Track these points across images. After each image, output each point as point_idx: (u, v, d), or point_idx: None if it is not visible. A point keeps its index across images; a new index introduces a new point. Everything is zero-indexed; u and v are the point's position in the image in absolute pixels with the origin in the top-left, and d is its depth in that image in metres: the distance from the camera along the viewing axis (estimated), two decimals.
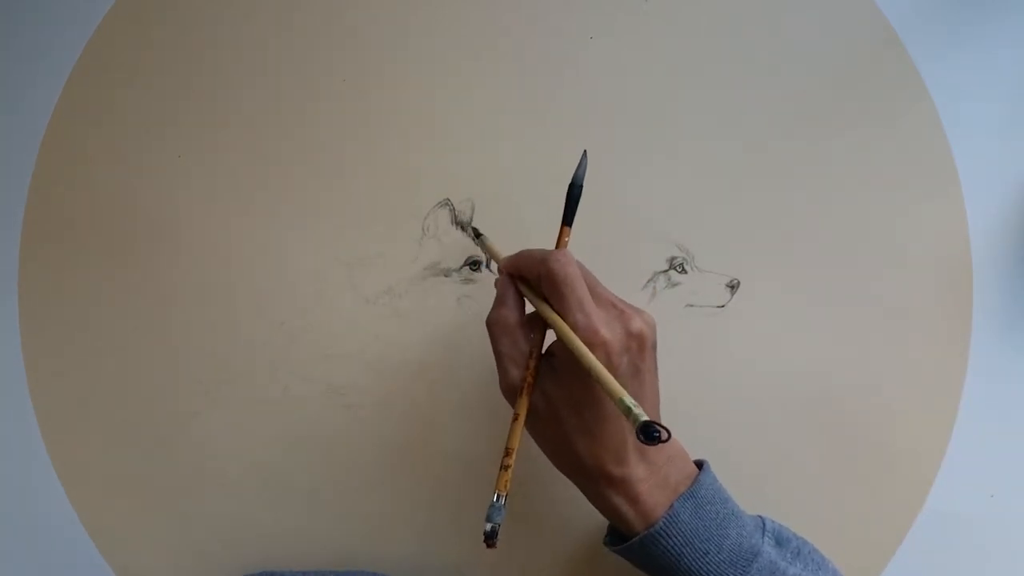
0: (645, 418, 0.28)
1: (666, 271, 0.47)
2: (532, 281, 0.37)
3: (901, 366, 0.47)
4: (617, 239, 0.47)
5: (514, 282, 0.38)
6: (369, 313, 0.47)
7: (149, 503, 0.46)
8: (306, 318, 0.46)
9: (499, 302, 0.37)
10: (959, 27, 0.48)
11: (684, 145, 0.48)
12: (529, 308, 0.38)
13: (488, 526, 0.32)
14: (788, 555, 0.37)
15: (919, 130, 0.48)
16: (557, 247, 0.39)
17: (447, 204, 0.47)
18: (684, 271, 0.47)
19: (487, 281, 0.47)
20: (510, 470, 0.34)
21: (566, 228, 0.39)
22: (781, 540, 0.38)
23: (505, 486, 0.33)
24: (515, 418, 0.35)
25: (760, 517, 0.39)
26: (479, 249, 0.47)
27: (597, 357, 0.33)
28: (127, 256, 0.47)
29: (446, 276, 0.47)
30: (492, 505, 0.33)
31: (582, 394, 0.34)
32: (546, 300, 0.36)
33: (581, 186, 0.39)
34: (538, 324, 0.37)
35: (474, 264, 0.46)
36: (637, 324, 0.35)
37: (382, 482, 0.46)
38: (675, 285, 0.47)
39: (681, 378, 0.46)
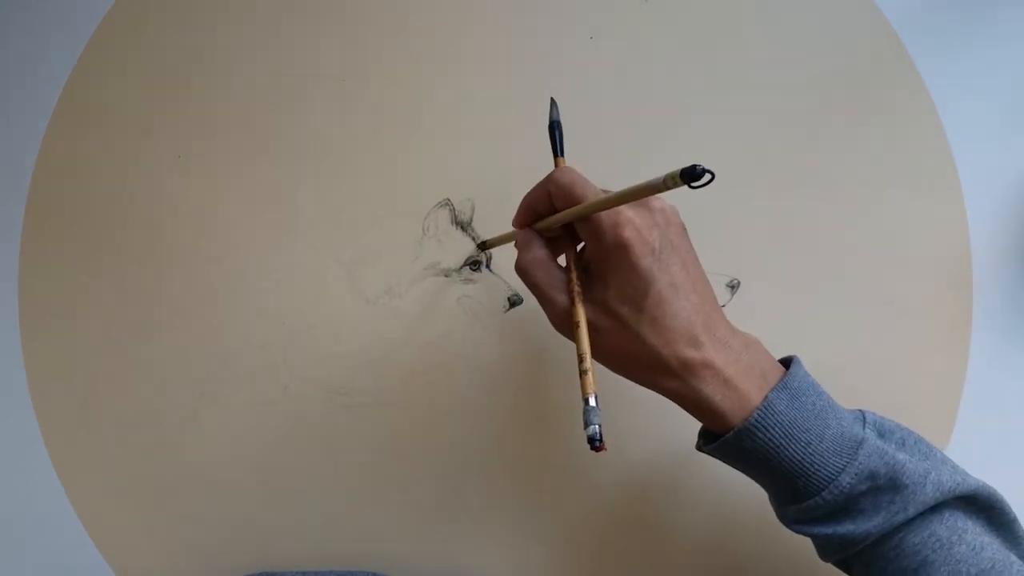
0: (680, 168, 0.27)
1: None
2: (545, 209, 0.37)
3: (901, 365, 0.47)
4: None
5: (531, 229, 0.38)
6: (369, 313, 0.47)
7: (149, 503, 0.46)
8: (306, 318, 0.46)
9: (522, 247, 0.37)
10: (959, 27, 0.48)
11: (683, 145, 0.48)
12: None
13: (591, 428, 0.30)
14: (892, 445, 0.35)
15: (919, 130, 0.48)
16: None
17: (447, 204, 0.47)
18: None
19: (487, 281, 0.47)
20: (591, 372, 0.32)
21: (560, 159, 0.39)
22: (884, 431, 0.36)
23: (591, 387, 0.32)
24: (578, 325, 0.34)
25: (860, 410, 0.37)
26: (479, 250, 0.47)
27: (625, 235, 0.32)
28: (127, 256, 0.47)
29: (446, 276, 0.47)
30: (588, 408, 0.31)
31: (634, 281, 0.33)
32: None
33: (559, 122, 0.40)
34: (567, 243, 0.37)
35: (474, 264, 0.46)
36: (658, 203, 0.34)
37: (382, 482, 0.46)
38: None
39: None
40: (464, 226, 0.47)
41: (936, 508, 0.33)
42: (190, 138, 0.47)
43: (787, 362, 0.37)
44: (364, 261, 0.47)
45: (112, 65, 0.48)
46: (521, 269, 0.37)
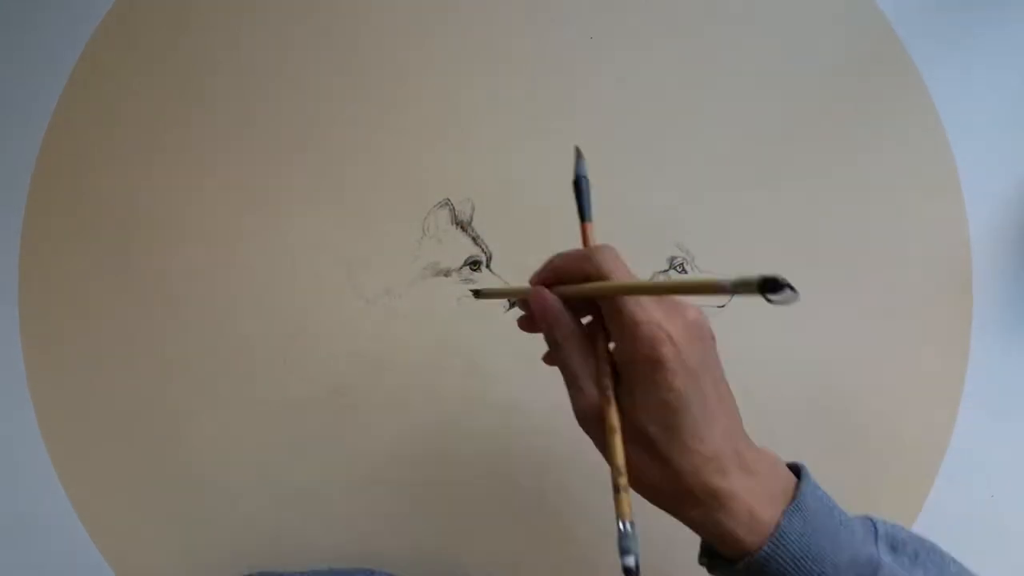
0: (761, 275, 0.23)
1: (666, 271, 0.47)
2: (574, 282, 0.33)
3: (901, 366, 0.47)
4: (617, 239, 0.46)
5: (553, 294, 0.34)
6: (369, 313, 0.47)
7: (149, 503, 0.46)
8: (306, 318, 0.46)
9: (552, 319, 0.33)
10: (959, 27, 0.48)
11: (684, 145, 0.48)
12: None
13: (631, 559, 0.28)
14: (906, 561, 0.33)
15: (919, 130, 0.48)
16: (584, 244, 0.35)
17: (447, 204, 0.47)
18: (684, 271, 0.47)
19: (487, 281, 0.47)
20: (625, 491, 0.30)
21: (588, 225, 0.35)
22: (896, 544, 0.34)
23: (629, 510, 0.29)
24: (613, 431, 0.31)
25: (869, 519, 0.35)
26: (479, 250, 0.47)
27: (661, 353, 0.30)
28: (127, 256, 0.47)
29: (446, 276, 0.47)
30: (625, 535, 0.28)
31: (668, 401, 0.30)
32: (592, 301, 0.33)
33: (585, 177, 0.36)
34: (599, 330, 0.33)
35: (474, 264, 0.46)
36: (692, 313, 0.32)
37: (381, 482, 0.46)
38: None
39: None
40: (464, 226, 0.47)
41: None
42: (190, 137, 0.47)
43: (795, 468, 0.35)
44: (364, 261, 0.47)
45: (112, 65, 0.48)
46: (555, 345, 0.33)
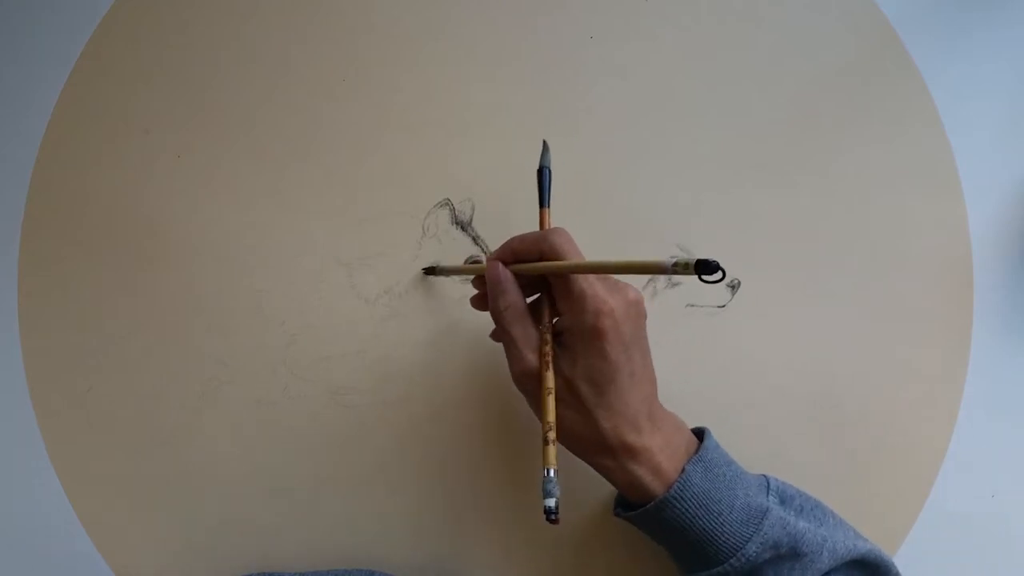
0: (696, 258, 0.28)
1: None
2: (529, 259, 0.38)
3: (902, 366, 0.47)
4: (618, 239, 0.47)
5: (508, 270, 0.38)
6: (369, 313, 0.47)
7: (149, 503, 0.46)
8: (306, 318, 0.46)
9: (501, 289, 0.37)
10: (959, 27, 0.48)
11: (684, 144, 0.48)
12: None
13: (551, 502, 0.32)
14: (792, 512, 0.38)
15: (919, 130, 0.48)
16: (541, 227, 0.40)
17: (447, 204, 0.47)
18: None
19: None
20: (553, 444, 0.34)
21: (546, 211, 0.40)
22: (785, 498, 0.39)
23: (555, 460, 0.33)
24: (548, 392, 0.35)
25: (764, 476, 0.40)
26: (479, 249, 0.47)
27: (605, 324, 0.34)
28: (127, 256, 0.47)
29: (446, 276, 0.47)
30: (547, 480, 0.32)
31: (602, 367, 0.35)
32: (543, 277, 0.37)
33: (548, 168, 0.40)
34: (544, 303, 0.38)
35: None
36: (633, 293, 0.36)
37: (382, 482, 0.46)
38: (676, 285, 0.47)
39: (681, 377, 0.46)
40: (464, 226, 0.47)
41: (827, 572, 0.37)
42: (190, 137, 0.47)
43: (699, 432, 0.40)
44: (364, 261, 0.47)
45: (112, 64, 0.48)
46: (496, 313, 0.38)
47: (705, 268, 0.27)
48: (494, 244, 0.47)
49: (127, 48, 0.48)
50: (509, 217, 0.47)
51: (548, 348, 0.36)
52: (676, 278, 0.47)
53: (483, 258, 0.47)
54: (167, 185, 0.47)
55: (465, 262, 0.47)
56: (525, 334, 0.37)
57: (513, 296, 0.37)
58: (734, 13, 0.48)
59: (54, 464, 0.46)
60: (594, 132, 0.47)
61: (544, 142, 0.41)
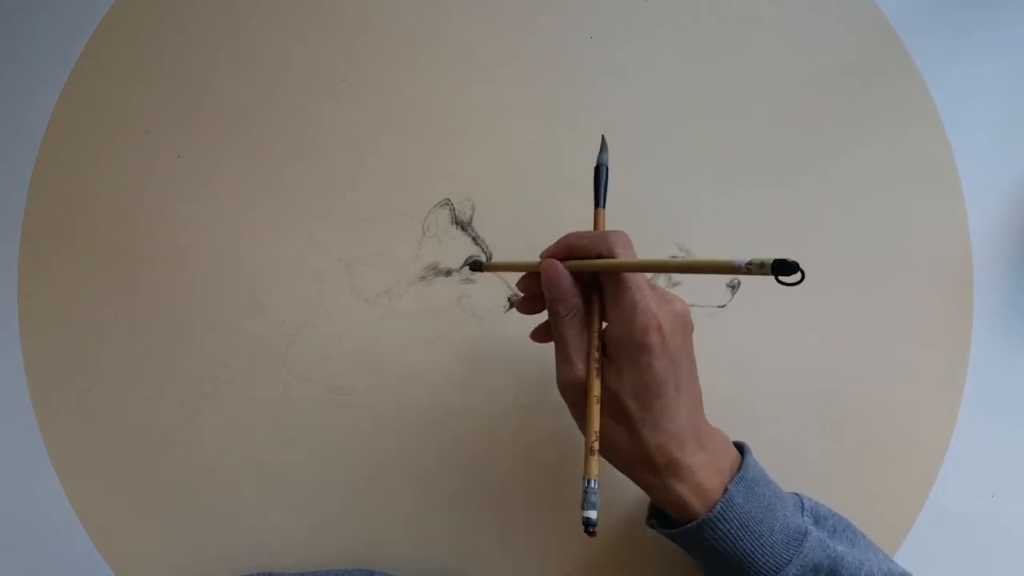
0: (773, 258, 0.26)
1: None
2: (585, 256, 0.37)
3: (901, 366, 0.47)
4: None
5: (567, 270, 0.37)
6: (369, 313, 0.47)
7: (149, 503, 0.46)
8: (306, 318, 0.46)
9: (562, 292, 0.36)
10: (959, 27, 0.48)
11: (684, 144, 0.48)
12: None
13: (592, 514, 0.31)
14: (826, 533, 0.37)
15: (919, 130, 0.48)
16: (596, 228, 0.39)
17: (447, 204, 0.47)
18: None
19: (487, 281, 0.47)
20: (597, 454, 0.33)
21: (601, 211, 0.38)
22: (818, 518, 0.38)
23: (597, 470, 0.33)
24: (596, 401, 0.34)
25: (797, 495, 0.39)
26: (479, 249, 0.47)
27: (653, 340, 0.33)
28: (127, 256, 0.47)
29: (446, 276, 0.47)
30: (589, 490, 0.32)
31: (648, 382, 0.34)
32: (595, 280, 0.36)
33: (605, 166, 0.38)
34: (595, 308, 0.36)
35: (474, 264, 0.46)
36: (680, 306, 0.35)
37: (382, 482, 0.46)
38: (676, 284, 0.47)
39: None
40: (464, 226, 0.47)
41: None
42: (190, 137, 0.47)
43: (739, 446, 0.39)
44: (364, 261, 0.47)
45: (112, 64, 0.48)
46: (557, 316, 0.36)
47: (783, 268, 0.25)
48: (494, 244, 0.47)
49: (127, 48, 0.48)
50: (509, 217, 0.47)
51: (598, 355, 0.35)
52: (676, 277, 0.47)
53: (483, 259, 0.47)
54: (167, 185, 0.47)
55: (465, 262, 0.47)
56: (580, 340, 0.36)
57: (575, 299, 0.36)
58: (734, 13, 0.48)
59: (54, 464, 0.46)
60: (594, 132, 0.47)
61: (603, 137, 0.39)
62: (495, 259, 0.47)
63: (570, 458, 0.46)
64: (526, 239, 0.46)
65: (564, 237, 0.37)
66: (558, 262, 0.36)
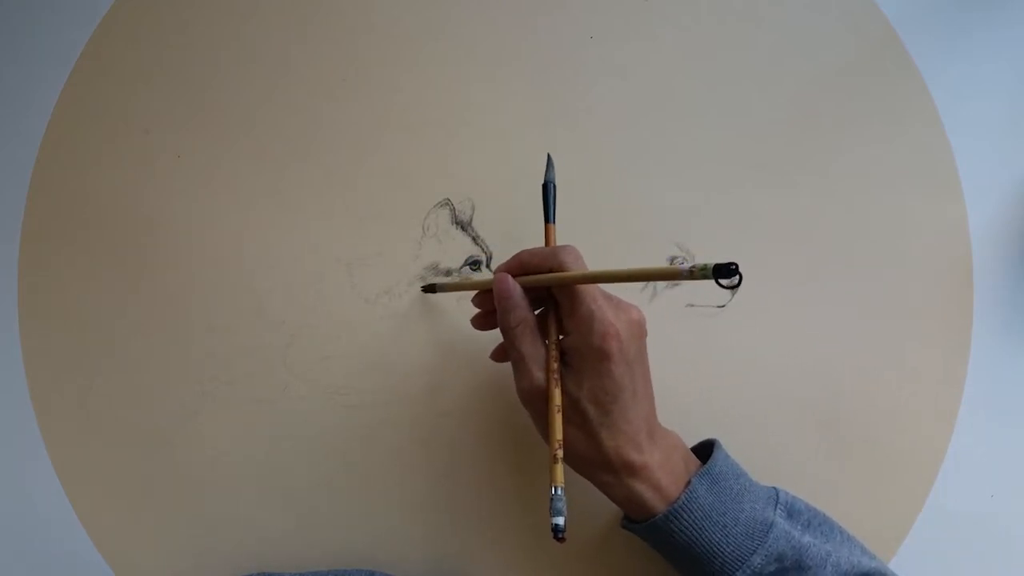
0: (712, 263, 0.28)
1: None
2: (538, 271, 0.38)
3: (901, 366, 0.47)
4: (617, 239, 0.47)
5: (518, 285, 0.38)
6: (369, 313, 0.47)
7: (149, 503, 0.46)
8: (306, 318, 0.46)
9: (512, 304, 0.37)
10: (959, 27, 0.48)
11: (684, 145, 0.48)
12: None
13: (560, 520, 0.32)
14: (799, 526, 0.38)
15: (919, 130, 0.48)
16: (547, 243, 0.40)
17: (447, 204, 0.47)
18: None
19: (487, 281, 0.47)
20: (560, 462, 0.34)
21: (551, 227, 0.40)
22: (793, 512, 0.39)
23: (562, 478, 0.34)
24: (558, 410, 0.36)
25: (774, 489, 0.40)
26: (479, 250, 0.47)
27: (612, 346, 0.35)
28: (127, 256, 0.47)
29: (446, 276, 0.47)
30: (556, 498, 0.33)
31: (608, 387, 0.35)
32: (550, 294, 0.38)
33: (552, 183, 0.40)
34: (551, 319, 0.38)
35: (474, 264, 0.46)
36: (636, 313, 0.37)
37: (382, 482, 0.46)
38: (675, 285, 0.47)
39: (681, 378, 0.46)
40: (464, 226, 0.47)
41: None
42: (190, 137, 0.47)
43: (710, 444, 0.41)
44: (364, 261, 0.47)
45: (112, 65, 0.48)
46: (507, 329, 0.38)
47: (723, 272, 0.27)
48: (494, 244, 0.47)
49: (127, 48, 0.48)
50: (509, 217, 0.47)
51: (556, 366, 0.36)
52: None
53: (483, 259, 0.47)
54: (167, 185, 0.47)
55: (465, 262, 0.47)
56: (535, 351, 0.37)
57: (524, 311, 0.37)
58: (734, 13, 0.48)
59: (54, 464, 0.46)
60: (594, 132, 0.47)
61: (548, 156, 0.41)
62: (495, 260, 0.47)
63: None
64: (526, 239, 0.46)
65: (517, 254, 0.39)
66: (508, 276, 0.38)
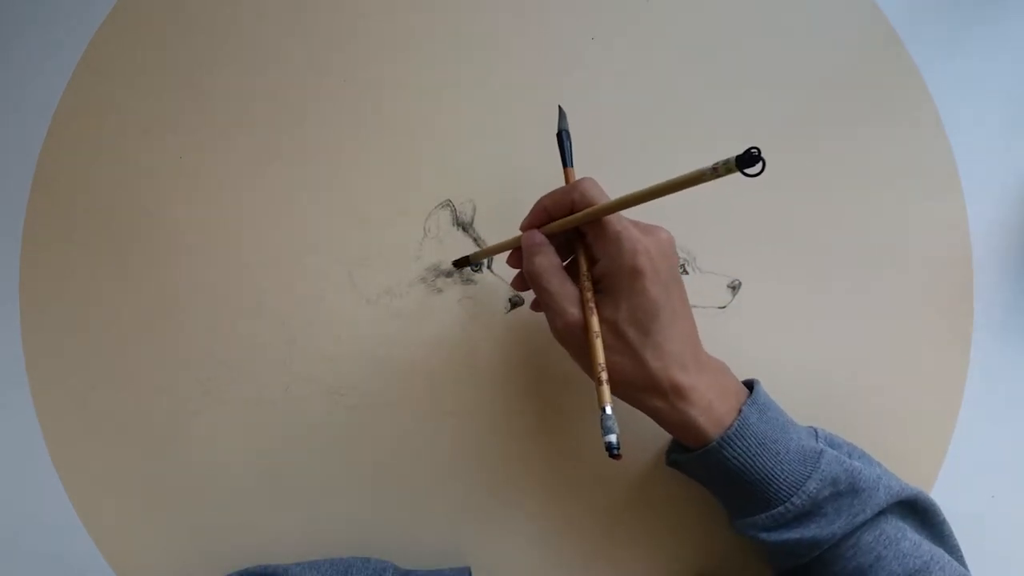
0: (738, 153, 0.27)
1: None
2: (560, 216, 0.38)
3: (902, 366, 0.47)
4: None
5: (540, 232, 0.38)
6: (370, 314, 0.47)
7: (149, 503, 0.46)
8: (307, 318, 0.47)
9: (534, 250, 0.38)
10: (959, 27, 0.48)
11: (685, 145, 0.48)
12: None
13: (613, 437, 0.32)
14: (841, 455, 0.38)
15: (919, 130, 0.48)
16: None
17: (448, 205, 0.47)
18: (686, 272, 0.47)
19: (488, 282, 0.47)
20: (606, 384, 0.34)
21: (570, 170, 0.40)
22: (833, 444, 0.39)
23: (609, 398, 0.34)
24: (596, 336, 0.36)
25: (812, 427, 0.40)
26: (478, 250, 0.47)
27: (643, 263, 0.35)
28: (127, 256, 0.47)
29: (447, 277, 0.47)
30: (606, 416, 0.33)
31: (645, 306, 0.35)
32: (577, 230, 0.38)
33: (566, 131, 0.41)
34: (581, 254, 0.38)
35: (475, 265, 0.46)
36: (664, 234, 0.37)
37: (383, 482, 0.46)
38: None
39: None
40: (465, 227, 0.47)
41: (884, 510, 0.37)
42: (192, 138, 0.47)
43: (750, 384, 0.40)
44: (365, 261, 0.47)
45: (114, 65, 0.48)
46: (533, 274, 0.38)
47: (746, 162, 0.27)
48: None
49: (128, 49, 0.48)
50: (511, 218, 0.47)
51: (590, 295, 0.36)
52: None
53: (484, 261, 0.47)
54: (167, 185, 0.47)
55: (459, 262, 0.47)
56: (563, 290, 0.37)
57: (546, 255, 0.37)
58: (734, 14, 0.48)
59: (55, 464, 0.46)
60: (595, 132, 0.47)
61: (560, 108, 0.42)
62: (495, 261, 0.47)
63: (569, 458, 0.46)
64: None
65: (539, 201, 0.39)
66: (535, 230, 0.38)
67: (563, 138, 0.41)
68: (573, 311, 0.36)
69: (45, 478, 0.46)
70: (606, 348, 0.36)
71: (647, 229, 0.37)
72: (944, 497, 0.46)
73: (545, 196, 0.38)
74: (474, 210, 0.47)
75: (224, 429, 0.46)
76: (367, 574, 0.41)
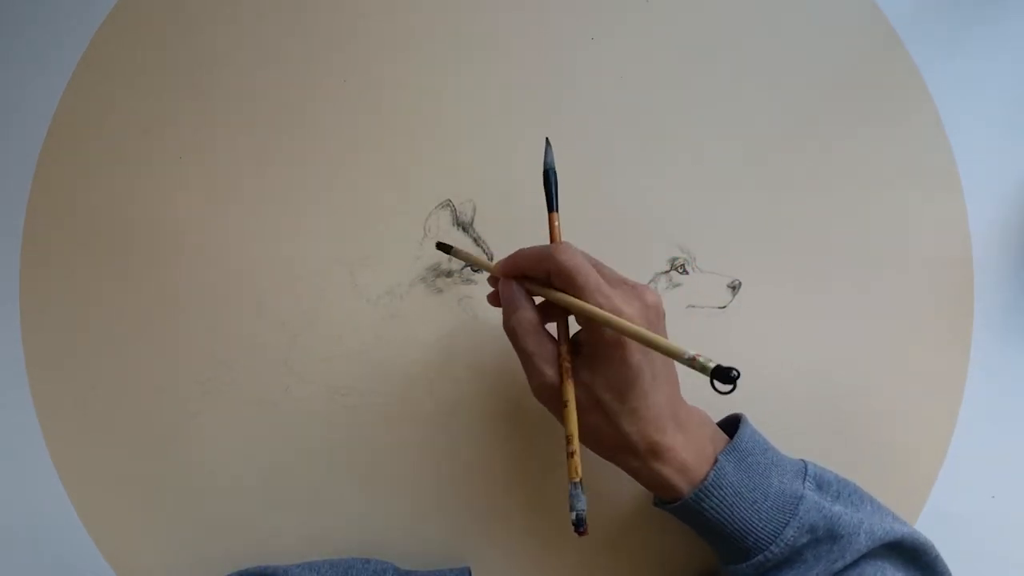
0: (714, 364, 0.28)
1: (667, 272, 0.47)
2: (538, 278, 0.38)
3: (902, 366, 0.47)
4: (618, 240, 0.47)
5: (519, 283, 0.38)
6: (370, 314, 0.47)
7: (149, 503, 0.46)
8: (307, 319, 0.47)
9: (513, 305, 0.37)
10: (959, 27, 0.48)
11: (685, 146, 0.48)
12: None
13: (574, 514, 0.32)
14: (829, 497, 0.38)
15: (919, 130, 0.48)
16: (551, 235, 0.39)
17: (448, 205, 0.47)
18: (685, 272, 0.47)
19: (487, 283, 0.47)
20: (576, 455, 0.34)
21: (554, 215, 0.39)
22: (822, 483, 0.39)
23: (577, 471, 0.33)
24: (565, 405, 0.35)
25: (802, 461, 0.40)
26: (481, 251, 0.47)
27: (623, 337, 0.34)
28: (127, 256, 0.47)
29: (447, 277, 0.47)
30: (572, 493, 0.32)
31: (624, 374, 0.35)
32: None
33: (554, 171, 0.39)
34: (559, 315, 0.38)
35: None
36: (651, 297, 0.36)
37: (383, 483, 0.46)
38: (676, 286, 0.47)
39: (681, 378, 0.46)
40: (465, 227, 0.47)
41: (866, 554, 0.37)
42: (192, 138, 0.47)
43: (736, 419, 0.40)
44: (366, 262, 0.47)
45: (114, 65, 0.48)
46: (510, 332, 0.38)
47: (722, 376, 0.27)
48: (496, 246, 0.47)
49: (128, 49, 0.48)
50: (511, 218, 0.47)
51: (567, 362, 0.36)
52: (676, 278, 0.47)
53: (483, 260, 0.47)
54: (167, 185, 0.47)
55: (466, 264, 0.47)
56: (540, 350, 0.37)
57: (523, 311, 0.37)
58: (734, 14, 0.48)
59: (55, 463, 0.46)
60: (594, 132, 0.47)
61: (547, 140, 0.40)
62: (496, 261, 0.47)
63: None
64: (527, 240, 0.46)
65: (515, 255, 0.38)
66: (513, 283, 0.38)
67: (549, 178, 0.39)
68: (550, 372, 0.36)
69: (45, 478, 0.46)
70: (581, 410, 0.36)
71: (631, 294, 0.36)
72: (944, 497, 0.46)
73: (522, 253, 0.38)
74: (474, 210, 0.47)
75: (224, 429, 0.46)
76: (367, 575, 0.41)
